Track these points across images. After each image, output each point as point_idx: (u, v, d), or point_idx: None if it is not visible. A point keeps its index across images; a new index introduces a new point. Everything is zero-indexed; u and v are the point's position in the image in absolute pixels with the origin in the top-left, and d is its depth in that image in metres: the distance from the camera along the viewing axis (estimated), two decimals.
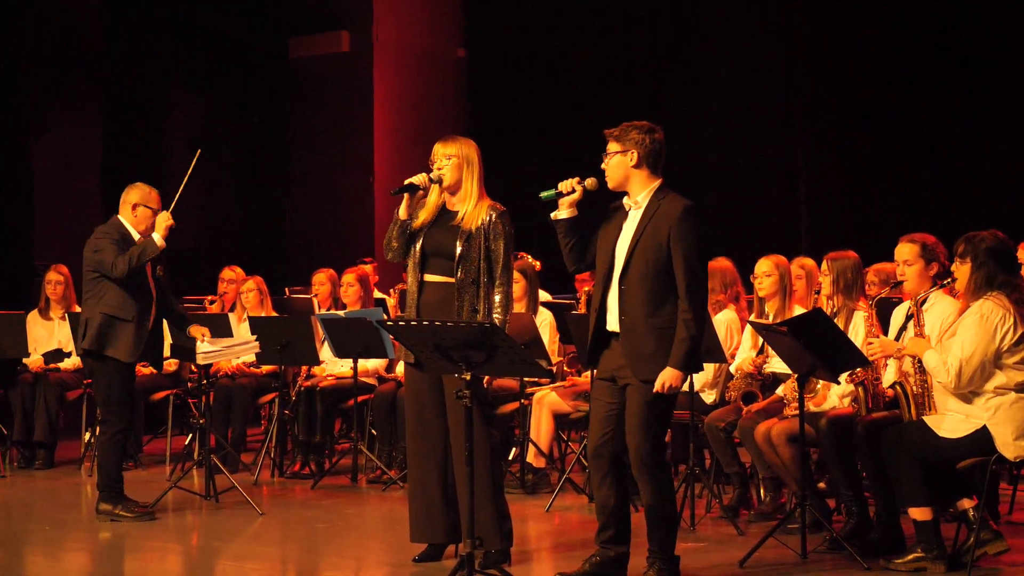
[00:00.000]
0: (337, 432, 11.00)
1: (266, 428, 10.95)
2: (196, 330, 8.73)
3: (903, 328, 7.11)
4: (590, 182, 6.45)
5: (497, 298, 6.86)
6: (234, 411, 10.54)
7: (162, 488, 9.02)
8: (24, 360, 10.89)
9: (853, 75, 14.45)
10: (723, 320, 8.76)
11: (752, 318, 8.45)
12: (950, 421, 6.66)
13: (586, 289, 10.28)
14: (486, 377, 6.49)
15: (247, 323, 10.18)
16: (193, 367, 10.36)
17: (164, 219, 8.46)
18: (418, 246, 6.97)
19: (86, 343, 8.34)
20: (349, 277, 10.67)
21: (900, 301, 7.43)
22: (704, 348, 6.67)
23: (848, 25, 14.48)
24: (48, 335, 11.04)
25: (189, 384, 10.87)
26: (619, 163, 6.40)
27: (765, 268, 8.41)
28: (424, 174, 6.93)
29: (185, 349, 9.28)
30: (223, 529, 8.34)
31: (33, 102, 15.32)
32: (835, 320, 7.56)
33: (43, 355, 10.84)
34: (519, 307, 9.65)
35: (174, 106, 16.90)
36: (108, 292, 8.34)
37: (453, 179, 6.93)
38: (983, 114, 13.71)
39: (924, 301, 7.08)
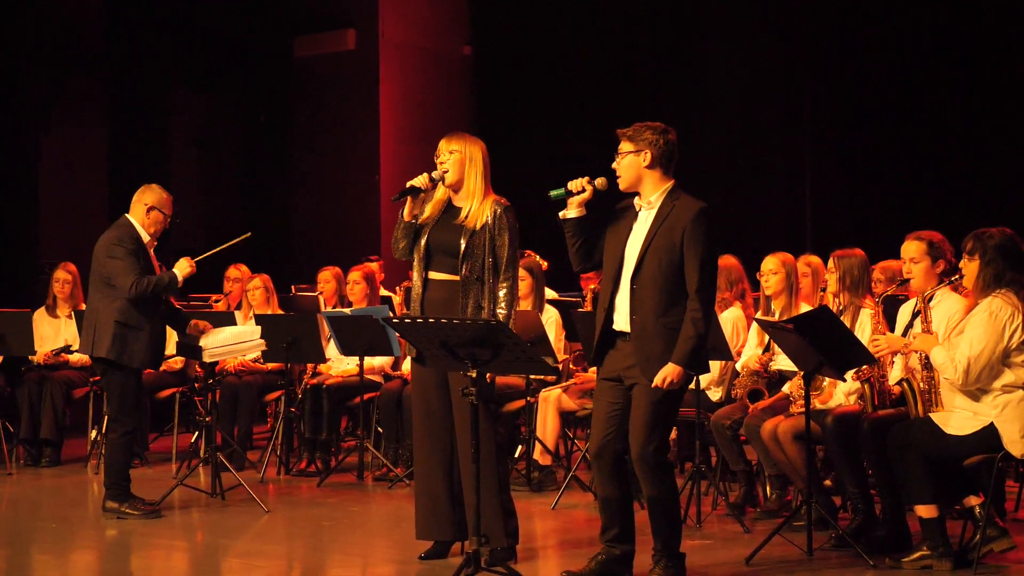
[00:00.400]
0: (343, 430, 11.00)
1: (272, 426, 10.96)
2: (196, 325, 8.75)
3: (909, 325, 7.11)
4: (600, 182, 6.43)
5: (501, 293, 6.85)
6: (240, 409, 10.56)
7: (168, 486, 9.03)
8: (31, 357, 10.90)
9: (857, 73, 14.44)
10: (729, 318, 8.76)
11: (758, 316, 8.45)
12: (957, 418, 6.66)
13: (592, 287, 10.27)
14: (488, 375, 6.45)
15: (253, 321, 10.19)
16: (199, 366, 10.37)
17: (188, 266, 8.52)
18: (423, 243, 6.96)
19: (101, 352, 8.34)
20: (355, 275, 10.68)
21: (906, 298, 7.44)
22: (710, 346, 6.66)
23: (851, 22, 14.47)
24: (55, 333, 11.05)
25: (196, 384, 10.87)
26: (632, 163, 6.39)
27: (771, 266, 8.41)
28: (425, 175, 6.92)
29: (191, 347, 9.27)
30: (229, 527, 8.35)
31: (38, 102, 15.33)
32: (841, 318, 7.57)
33: (52, 350, 10.85)
34: (525, 305, 9.65)
35: (179, 105, 16.90)
36: (121, 298, 8.34)
37: (456, 176, 6.93)
38: (987, 112, 13.69)
39: (931, 298, 7.08)
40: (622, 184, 6.43)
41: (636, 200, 6.44)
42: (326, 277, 11.16)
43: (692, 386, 7.04)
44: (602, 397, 6.47)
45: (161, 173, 15.38)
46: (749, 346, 8.52)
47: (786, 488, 8.16)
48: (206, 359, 9.00)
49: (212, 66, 17.03)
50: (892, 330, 7.27)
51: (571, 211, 6.46)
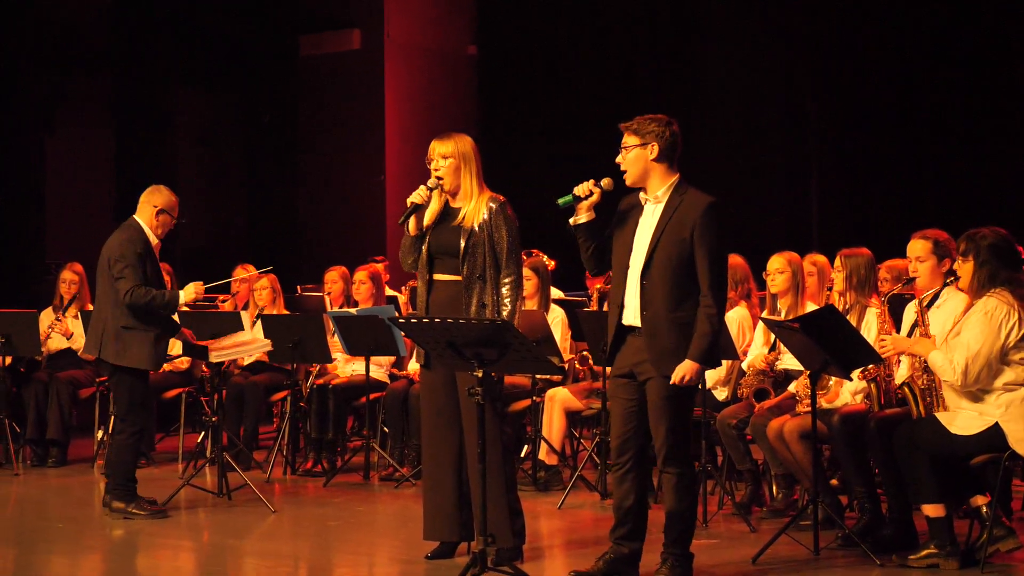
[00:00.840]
0: (349, 429, 11.00)
1: (278, 426, 10.96)
2: (184, 334, 8.81)
3: (915, 325, 7.10)
4: (606, 182, 6.42)
5: (505, 289, 6.85)
6: (246, 409, 10.56)
7: (175, 486, 9.03)
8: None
9: (860, 71, 14.44)
10: (734, 318, 8.76)
11: (764, 315, 8.44)
12: (963, 418, 6.65)
13: (598, 287, 10.27)
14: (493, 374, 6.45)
15: (260, 321, 10.19)
16: (205, 366, 10.38)
17: (196, 290, 8.50)
18: (424, 247, 6.98)
19: (108, 356, 8.34)
20: (361, 275, 10.67)
21: (912, 297, 7.42)
22: None
23: (852, 21, 14.47)
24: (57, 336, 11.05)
25: (207, 386, 10.87)
26: (638, 156, 6.37)
27: (777, 265, 8.41)
28: (423, 188, 6.92)
29: (197, 347, 9.28)
30: (235, 527, 8.35)
31: (42, 102, 15.35)
32: (848, 317, 7.56)
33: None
34: (531, 304, 9.65)
35: (184, 105, 16.92)
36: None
37: (452, 181, 6.93)
38: (990, 110, 13.70)
39: (933, 300, 7.08)
40: (628, 179, 6.41)
41: (642, 195, 6.43)
42: (333, 277, 11.16)
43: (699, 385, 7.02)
44: (617, 395, 6.46)
45: (166, 172, 15.38)
46: (755, 345, 8.52)
47: (792, 487, 8.15)
48: (212, 360, 9.01)
49: (217, 66, 17.05)
50: (898, 329, 7.27)
51: (581, 216, 6.45)
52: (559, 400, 9.45)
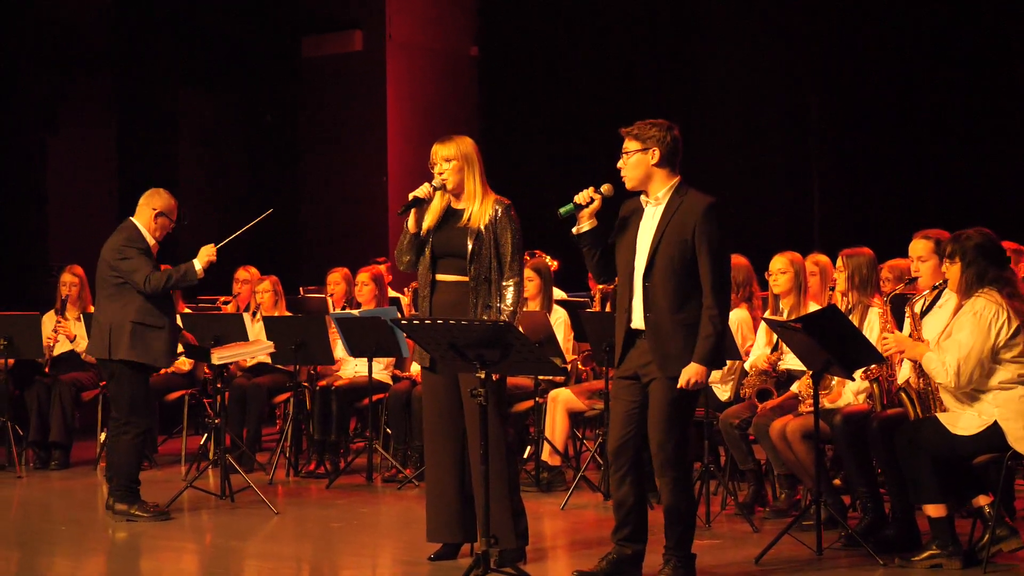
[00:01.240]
0: (352, 431, 11.00)
1: (281, 427, 10.96)
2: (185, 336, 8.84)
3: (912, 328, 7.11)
4: (606, 188, 6.42)
5: (508, 293, 6.85)
6: (249, 411, 10.55)
7: (177, 488, 9.03)
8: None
9: (862, 71, 14.44)
10: (733, 319, 8.73)
11: (767, 315, 8.44)
12: (964, 418, 6.65)
13: (600, 287, 10.27)
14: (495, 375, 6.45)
15: (262, 323, 10.20)
16: (207, 367, 10.38)
17: (209, 252, 8.50)
18: (427, 248, 6.97)
19: (120, 354, 8.32)
20: (363, 276, 10.68)
21: (914, 297, 7.42)
22: None
23: (854, 21, 14.46)
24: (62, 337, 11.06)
25: (209, 388, 10.87)
26: (639, 161, 6.37)
27: (780, 265, 8.40)
28: (427, 184, 6.93)
29: (200, 349, 9.29)
30: (238, 529, 8.35)
31: (44, 103, 15.35)
32: (850, 317, 7.56)
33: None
34: (534, 305, 9.66)
35: (186, 106, 16.92)
36: (136, 299, 8.33)
37: (455, 182, 6.93)
38: (992, 110, 13.69)
39: (933, 303, 7.08)
40: (629, 183, 6.42)
41: (643, 198, 6.44)
42: (336, 279, 11.16)
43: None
44: (620, 396, 6.46)
45: (168, 173, 15.41)
46: (757, 345, 8.52)
47: (795, 487, 8.15)
48: (215, 362, 9.02)
49: (219, 67, 17.04)
50: (900, 329, 7.26)
51: (584, 225, 6.44)
52: (562, 401, 9.45)
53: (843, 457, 7.56)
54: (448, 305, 6.90)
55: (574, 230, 6.47)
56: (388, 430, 10.29)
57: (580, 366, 10.05)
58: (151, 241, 8.50)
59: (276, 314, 10.64)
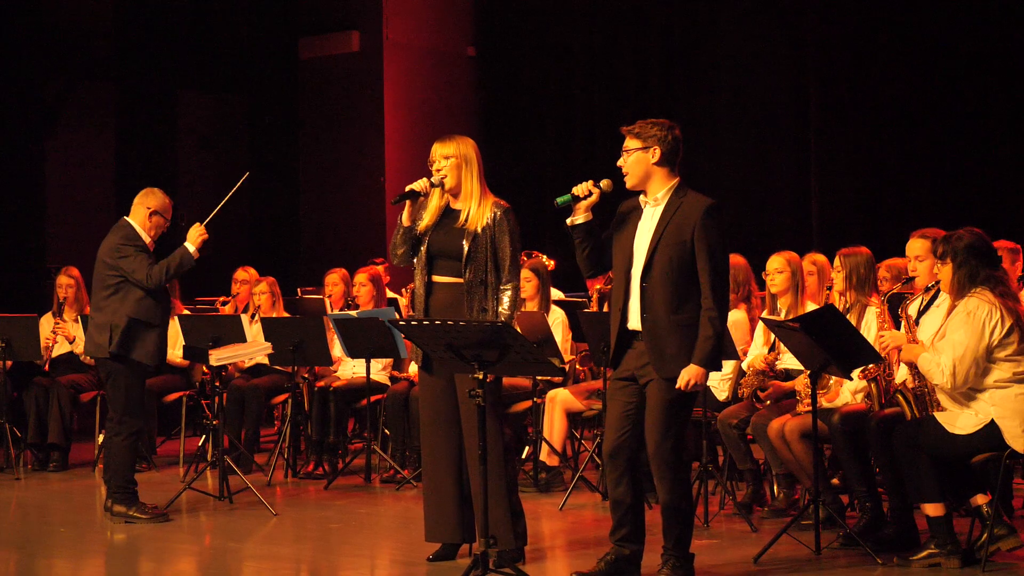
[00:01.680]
0: (350, 432, 11.00)
1: (279, 429, 10.96)
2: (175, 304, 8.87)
3: (915, 322, 7.11)
4: (605, 183, 6.43)
5: (505, 296, 6.85)
6: (247, 412, 10.55)
7: (176, 489, 9.04)
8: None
9: (863, 70, 14.42)
10: (731, 320, 8.73)
11: (764, 315, 8.44)
12: (962, 417, 6.65)
13: (598, 287, 10.27)
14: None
15: (260, 324, 10.20)
16: (205, 368, 10.38)
17: (198, 232, 8.50)
18: (424, 248, 6.97)
19: (113, 347, 8.34)
20: (361, 277, 10.68)
21: (910, 296, 7.43)
22: None
23: (858, 19, 14.45)
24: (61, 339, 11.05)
25: (207, 390, 10.86)
26: (639, 160, 6.38)
27: (777, 265, 8.40)
28: (425, 179, 6.94)
29: (198, 350, 9.29)
30: (237, 530, 8.36)
31: (45, 106, 15.36)
32: (847, 316, 7.57)
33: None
34: (531, 306, 9.65)
35: (185, 107, 16.93)
36: (134, 297, 8.33)
37: (454, 180, 6.94)
38: (994, 109, 13.68)
39: (930, 302, 7.08)
40: (629, 182, 6.43)
41: (641, 198, 6.45)
42: (334, 280, 11.17)
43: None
44: (616, 397, 6.47)
45: (168, 175, 15.42)
46: (755, 345, 8.52)
47: (793, 487, 8.16)
48: (213, 363, 9.02)
49: (217, 69, 17.05)
50: (898, 328, 7.27)
51: (578, 217, 6.45)
52: (560, 401, 9.45)
53: (841, 456, 7.56)
54: (443, 306, 6.90)
55: (568, 221, 6.48)
56: (386, 431, 10.29)
57: (578, 366, 10.05)
58: (147, 240, 8.50)
59: (274, 315, 10.64)
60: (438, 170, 6.94)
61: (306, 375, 10.52)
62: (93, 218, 14.92)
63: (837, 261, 7.88)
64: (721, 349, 6.35)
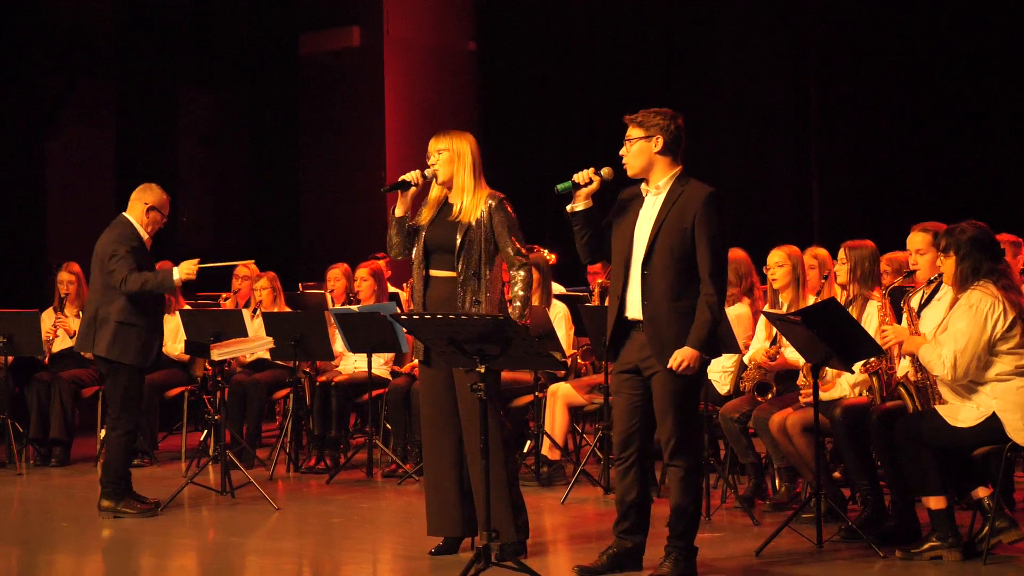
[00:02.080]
0: (352, 427, 11.01)
1: (281, 423, 10.97)
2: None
3: (916, 317, 7.11)
4: (606, 171, 6.45)
5: (518, 278, 6.86)
6: (249, 407, 10.56)
7: (178, 484, 9.04)
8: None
9: (864, 64, 14.42)
10: (732, 315, 8.74)
11: (766, 308, 8.44)
12: (963, 410, 6.66)
13: (599, 281, 10.27)
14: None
15: (261, 319, 10.20)
16: (207, 364, 10.38)
17: (191, 268, 8.43)
18: (420, 243, 6.98)
19: (102, 351, 8.33)
20: (362, 272, 10.68)
21: (912, 290, 7.43)
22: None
23: (859, 12, 14.44)
24: (62, 333, 11.06)
25: (209, 385, 10.87)
26: (642, 149, 6.40)
27: (777, 259, 8.40)
28: (417, 171, 6.96)
29: (199, 345, 9.29)
30: (239, 524, 8.36)
31: (46, 104, 15.37)
32: (849, 309, 7.57)
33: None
34: (533, 300, 9.64)
35: (186, 104, 16.94)
36: (121, 296, 8.33)
37: (447, 173, 6.95)
38: (995, 102, 13.67)
39: (931, 296, 7.08)
40: (630, 171, 6.44)
41: (643, 186, 6.46)
42: (336, 275, 11.18)
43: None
44: (622, 390, 6.47)
45: (169, 171, 15.42)
46: (757, 339, 8.52)
47: (795, 480, 8.16)
48: (215, 358, 9.02)
49: (218, 65, 17.05)
50: (899, 321, 7.27)
51: (578, 204, 6.47)
52: (561, 395, 9.45)
53: (843, 450, 7.56)
54: (440, 300, 6.91)
55: (568, 208, 6.49)
56: (388, 425, 10.29)
57: (580, 360, 10.05)
58: (144, 236, 8.50)
59: (275, 310, 10.65)
60: (431, 163, 6.96)
61: (308, 370, 10.53)
62: (94, 214, 14.90)
63: (842, 253, 7.87)
64: (717, 334, 6.35)
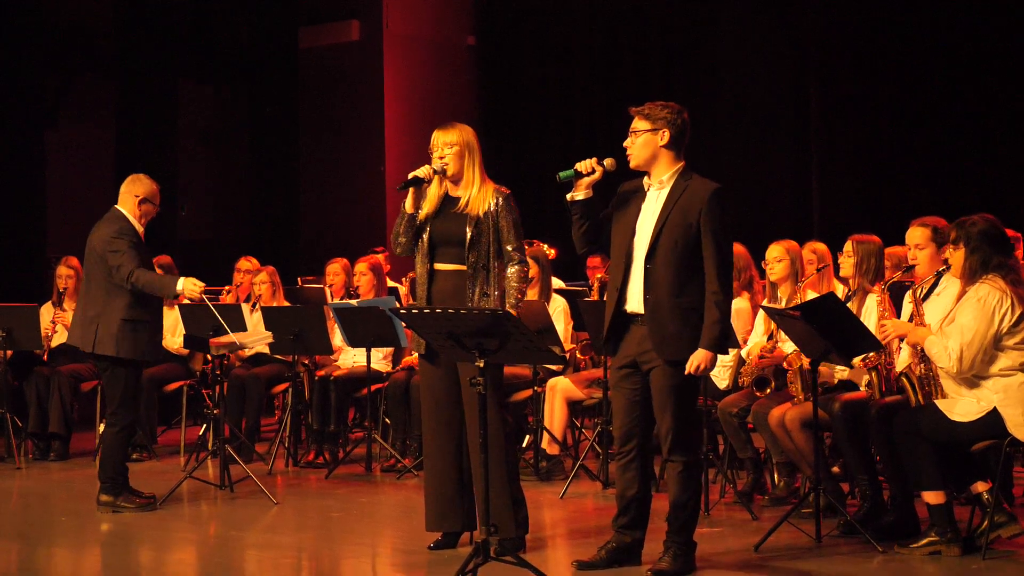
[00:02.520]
0: (351, 421, 11.01)
1: (280, 418, 10.97)
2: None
3: (912, 315, 7.11)
4: (609, 162, 6.44)
5: (512, 272, 6.86)
6: (248, 401, 10.56)
7: (177, 479, 9.04)
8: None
9: (864, 59, 14.41)
10: (732, 309, 8.73)
11: (764, 303, 8.45)
12: (962, 405, 6.66)
13: (599, 276, 10.27)
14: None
15: (260, 314, 10.21)
16: (209, 356, 10.38)
17: (196, 288, 8.37)
18: (425, 236, 6.97)
19: (107, 350, 8.30)
20: (362, 266, 10.68)
21: (912, 285, 7.43)
22: None
23: (859, 8, 14.44)
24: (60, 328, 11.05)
25: (208, 379, 10.87)
26: (647, 141, 6.39)
27: (776, 253, 8.41)
28: (428, 166, 6.94)
29: (198, 339, 9.29)
30: (238, 519, 8.36)
31: (46, 98, 15.36)
32: (851, 302, 7.57)
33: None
34: (532, 294, 9.65)
35: (185, 98, 16.93)
36: (126, 295, 8.31)
37: (456, 168, 6.94)
38: (995, 97, 13.67)
39: (931, 289, 7.08)
40: (633, 162, 6.43)
41: (645, 180, 6.46)
42: (335, 270, 11.17)
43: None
44: (621, 385, 6.47)
45: (169, 166, 15.42)
46: (755, 334, 8.52)
47: (794, 475, 8.16)
48: (214, 352, 9.02)
49: (217, 59, 17.05)
50: (898, 316, 7.28)
51: (579, 193, 6.47)
52: (560, 390, 9.45)
53: (841, 445, 7.56)
54: (447, 293, 6.90)
55: (568, 196, 6.49)
56: (387, 420, 10.30)
57: (579, 355, 10.05)
58: (139, 229, 8.49)
59: (274, 304, 10.65)
60: (440, 157, 6.94)
61: (306, 363, 10.53)
62: (94, 210, 14.82)
63: (849, 246, 7.86)
64: (728, 333, 6.37)
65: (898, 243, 7.94)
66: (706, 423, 8.19)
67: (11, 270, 14.41)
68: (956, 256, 6.72)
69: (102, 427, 10.61)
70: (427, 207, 7.00)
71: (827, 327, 6.95)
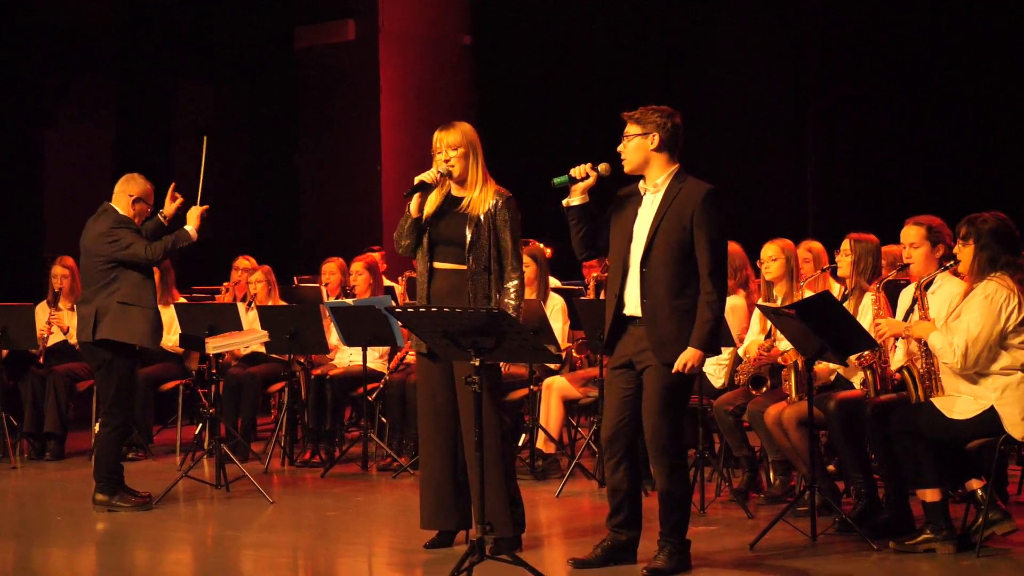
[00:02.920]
0: (347, 420, 11.01)
1: (276, 417, 10.97)
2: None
3: (910, 311, 7.11)
4: (603, 167, 6.45)
5: (512, 286, 6.85)
6: (244, 400, 10.56)
7: (173, 478, 9.04)
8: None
9: (863, 59, 14.41)
10: (727, 308, 8.71)
11: (760, 302, 8.45)
12: (959, 402, 6.67)
13: (594, 275, 10.27)
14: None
15: (256, 312, 10.21)
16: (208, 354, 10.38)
17: (197, 213, 8.46)
18: (425, 235, 6.97)
19: (104, 332, 8.32)
20: (358, 265, 10.69)
21: (907, 283, 7.44)
22: None
23: (860, 14, 14.44)
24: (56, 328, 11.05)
25: (204, 378, 10.87)
26: (639, 146, 6.40)
27: (771, 252, 8.41)
28: (434, 170, 6.93)
29: (194, 338, 9.29)
30: (234, 518, 8.36)
31: (46, 98, 15.36)
32: (846, 302, 7.58)
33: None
34: (529, 293, 9.65)
35: (183, 98, 16.92)
36: (123, 283, 8.32)
37: (461, 169, 6.94)
38: (992, 97, 13.66)
39: (929, 284, 7.08)
40: (627, 167, 6.44)
41: (640, 184, 6.47)
42: (331, 269, 11.16)
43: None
44: (614, 383, 6.48)
45: (166, 165, 15.41)
46: (751, 332, 8.52)
47: (789, 474, 8.17)
48: (210, 351, 9.02)
49: (213, 59, 17.04)
50: (894, 314, 7.28)
51: (575, 198, 6.47)
52: (557, 388, 9.45)
53: (837, 443, 7.56)
54: (446, 293, 6.90)
55: (564, 202, 6.51)
56: (383, 419, 10.29)
57: (575, 354, 10.06)
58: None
59: (270, 303, 10.65)
60: (446, 161, 6.92)
61: (303, 361, 10.53)
62: (92, 208, 14.88)
63: (846, 244, 7.86)
64: (719, 333, 6.37)
65: (896, 243, 7.95)
66: (702, 421, 8.19)
67: (9, 270, 14.41)
68: (965, 252, 6.73)
69: (98, 427, 10.64)
70: (429, 206, 6.99)
71: (822, 325, 6.95)
